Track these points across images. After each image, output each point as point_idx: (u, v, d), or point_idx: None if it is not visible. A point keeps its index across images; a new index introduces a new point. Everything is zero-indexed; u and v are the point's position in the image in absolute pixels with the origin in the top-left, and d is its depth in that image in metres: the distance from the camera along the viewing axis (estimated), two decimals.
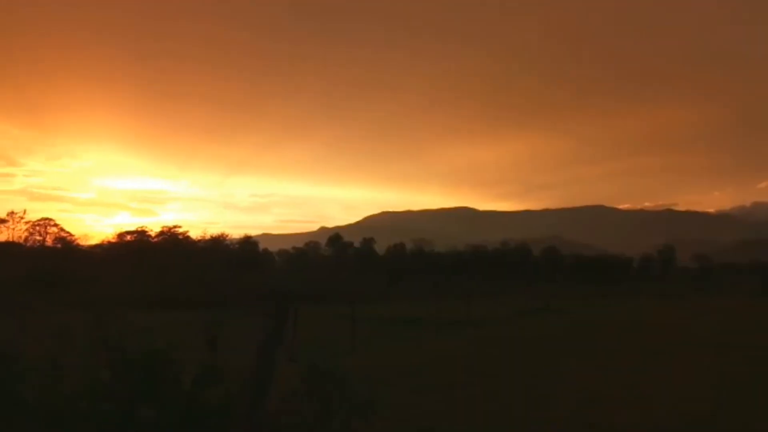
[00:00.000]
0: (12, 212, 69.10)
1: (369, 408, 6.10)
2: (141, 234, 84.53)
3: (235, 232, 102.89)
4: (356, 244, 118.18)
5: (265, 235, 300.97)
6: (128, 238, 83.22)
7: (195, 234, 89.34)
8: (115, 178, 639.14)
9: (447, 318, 34.63)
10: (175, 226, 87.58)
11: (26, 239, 70.28)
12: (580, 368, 15.57)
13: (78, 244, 74.99)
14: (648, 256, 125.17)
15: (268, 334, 6.49)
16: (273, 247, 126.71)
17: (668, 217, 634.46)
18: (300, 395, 5.94)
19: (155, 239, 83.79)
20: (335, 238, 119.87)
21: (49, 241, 71.46)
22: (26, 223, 70.07)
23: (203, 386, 6.13)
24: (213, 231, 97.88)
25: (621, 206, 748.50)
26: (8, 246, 66.70)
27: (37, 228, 71.30)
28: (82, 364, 8.64)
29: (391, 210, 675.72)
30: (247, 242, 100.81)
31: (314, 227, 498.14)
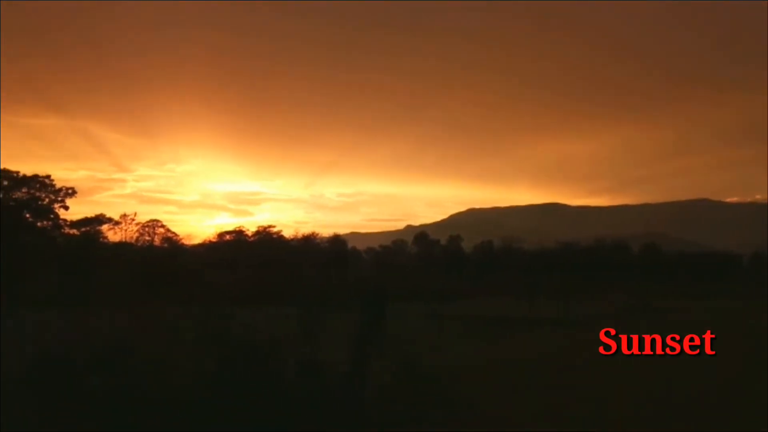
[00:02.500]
0: (124, 215, 74.53)
1: (460, 405, 6.15)
2: (239, 234, 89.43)
3: (325, 231, 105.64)
4: (443, 242, 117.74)
5: (353, 234, 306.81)
6: (227, 237, 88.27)
7: (287, 233, 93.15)
8: (216, 181, 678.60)
9: (537, 317, 33.82)
10: (269, 226, 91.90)
11: (137, 239, 75.70)
12: (675, 375, 14.70)
13: (183, 244, 79.99)
14: (759, 253, 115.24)
15: (361, 331, 6.71)
16: (361, 246, 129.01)
17: None
18: (393, 390, 6.10)
19: (252, 238, 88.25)
20: (421, 236, 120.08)
21: (156, 241, 76.62)
22: (137, 224, 75.45)
23: (303, 378, 6.45)
24: (304, 230, 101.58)
25: (728, 199, 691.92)
26: (121, 246, 72.06)
27: (146, 229, 76.63)
28: (191, 356, 9.29)
29: (477, 207, 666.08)
30: (337, 241, 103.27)
31: (401, 225, 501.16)
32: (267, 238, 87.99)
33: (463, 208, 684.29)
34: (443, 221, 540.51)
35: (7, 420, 9.85)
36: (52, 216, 64.96)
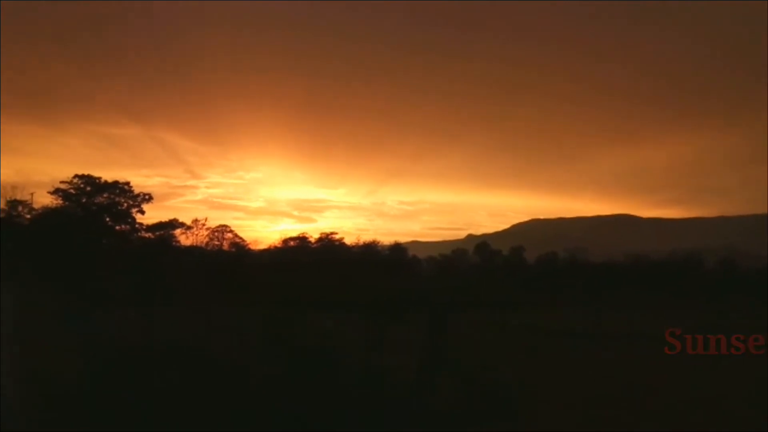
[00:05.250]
0: (196, 220, 77.70)
1: (523, 418, 6.15)
2: (302, 240, 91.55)
3: (386, 239, 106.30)
4: (505, 252, 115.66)
5: (414, 242, 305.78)
6: (291, 243, 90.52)
7: (349, 240, 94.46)
8: (281, 188, 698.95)
9: (603, 331, 32.76)
10: (331, 233, 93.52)
11: (207, 244, 78.76)
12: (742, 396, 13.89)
13: (249, 249, 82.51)
14: None
15: (426, 340, 6.84)
16: (421, 254, 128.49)
17: None
18: (457, 400, 6.17)
19: (314, 245, 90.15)
20: (483, 245, 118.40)
21: (225, 246, 79.43)
22: (207, 229, 78.47)
23: (367, 385, 6.63)
24: (365, 237, 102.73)
25: None
26: (192, 250, 75.14)
27: (216, 234, 79.58)
28: (258, 357, 9.66)
29: (541, 217, 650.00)
30: (397, 249, 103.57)
31: (461, 234, 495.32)
32: (329, 245, 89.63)
33: (526, 218, 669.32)
34: (505, 231, 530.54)
35: (80, 415, 10.51)
36: (129, 220, 68.67)
